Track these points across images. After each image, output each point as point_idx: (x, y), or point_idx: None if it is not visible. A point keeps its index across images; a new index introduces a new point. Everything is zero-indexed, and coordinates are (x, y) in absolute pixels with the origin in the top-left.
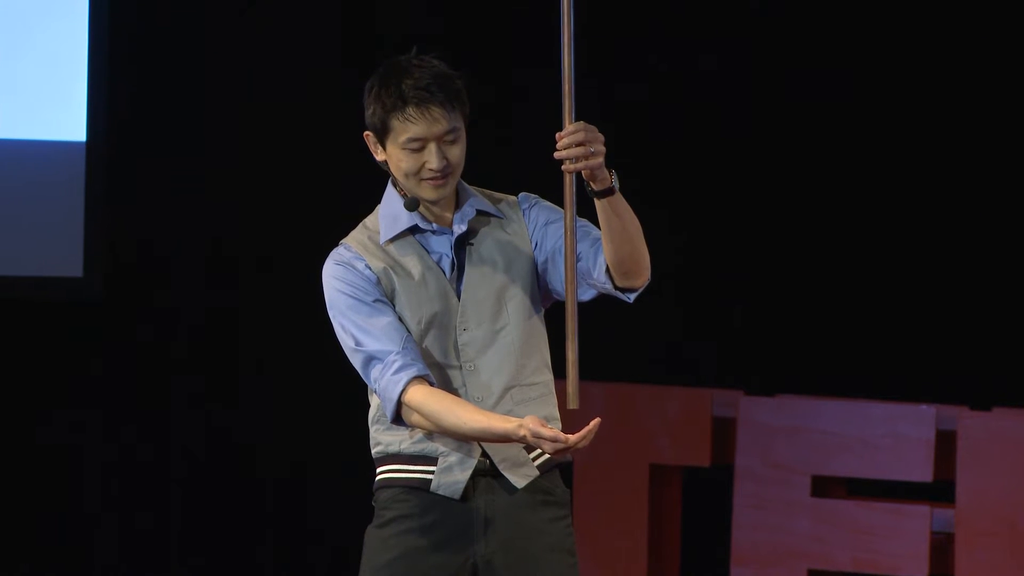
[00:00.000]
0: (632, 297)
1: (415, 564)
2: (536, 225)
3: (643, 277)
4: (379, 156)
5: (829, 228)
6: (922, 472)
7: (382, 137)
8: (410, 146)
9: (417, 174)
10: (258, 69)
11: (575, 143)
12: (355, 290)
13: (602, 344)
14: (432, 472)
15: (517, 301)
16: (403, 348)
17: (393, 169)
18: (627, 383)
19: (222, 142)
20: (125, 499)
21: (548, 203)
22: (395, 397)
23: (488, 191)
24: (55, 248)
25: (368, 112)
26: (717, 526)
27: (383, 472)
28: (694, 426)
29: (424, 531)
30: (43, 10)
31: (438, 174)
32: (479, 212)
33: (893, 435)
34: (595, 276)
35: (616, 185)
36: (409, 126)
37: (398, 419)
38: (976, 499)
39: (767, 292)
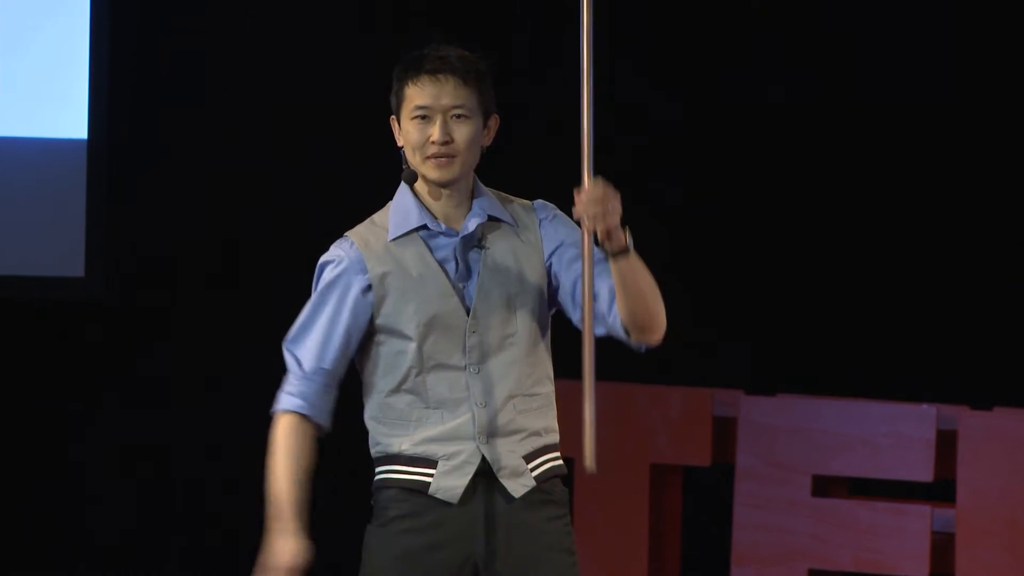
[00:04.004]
0: (644, 348)
1: (416, 563)
2: (553, 243)
3: (658, 334)
4: (400, 141)
5: (830, 228)
6: (923, 472)
7: (398, 112)
8: (417, 113)
9: (422, 149)
10: (259, 68)
11: (594, 201)
12: (329, 292)
13: (602, 344)
14: (431, 475)
15: (527, 310)
16: (312, 374)
17: (405, 148)
18: (627, 383)
19: (223, 140)
20: (124, 498)
21: (565, 217)
22: (273, 409)
23: (504, 194)
24: (56, 247)
25: (392, 94)
26: (717, 526)
27: (382, 472)
28: (694, 426)
29: (425, 531)
30: (44, 8)
31: (440, 149)
32: (491, 217)
33: (894, 435)
34: (609, 323)
35: (631, 244)
36: (418, 91)
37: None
38: (977, 499)
39: (768, 292)
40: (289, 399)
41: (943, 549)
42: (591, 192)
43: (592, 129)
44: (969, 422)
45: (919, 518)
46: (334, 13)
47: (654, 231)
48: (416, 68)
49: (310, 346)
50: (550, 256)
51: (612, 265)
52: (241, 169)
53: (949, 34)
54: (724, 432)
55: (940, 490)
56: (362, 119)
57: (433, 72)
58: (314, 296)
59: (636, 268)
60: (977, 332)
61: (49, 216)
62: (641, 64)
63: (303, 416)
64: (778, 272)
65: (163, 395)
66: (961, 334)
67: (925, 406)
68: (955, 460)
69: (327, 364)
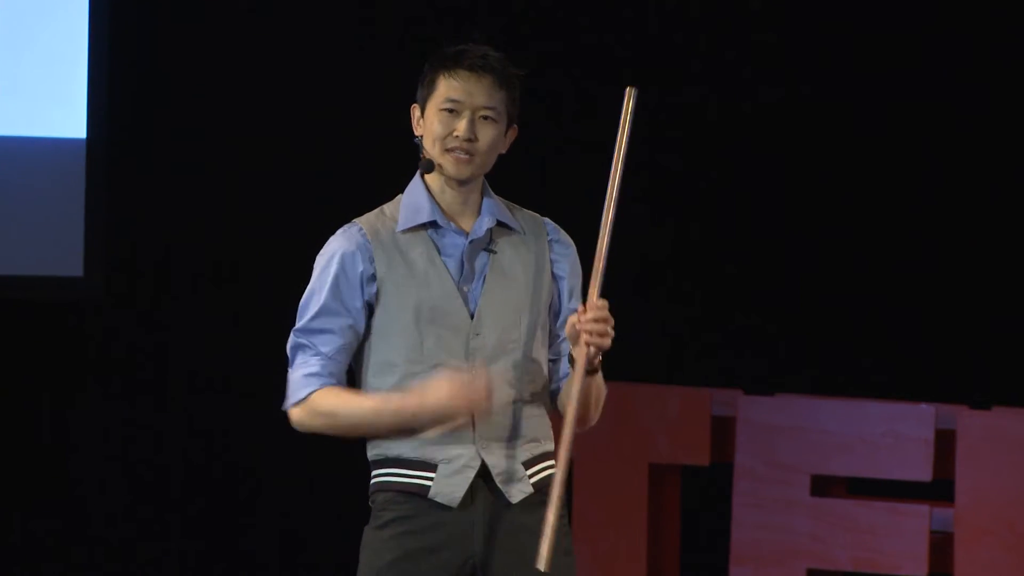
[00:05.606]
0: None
1: (415, 565)
2: (562, 269)
3: (583, 427)
4: (418, 131)
5: (829, 228)
6: (921, 471)
7: (425, 102)
8: (447, 106)
9: (443, 141)
10: (259, 68)
11: (601, 320)
12: (339, 280)
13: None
14: (431, 479)
15: (530, 316)
16: (331, 356)
17: (426, 138)
18: (627, 383)
19: (223, 140)
20: (123, 498)
21: (574, 258)
22: (297, 397)
23: (511, 202)
24: (55, 247)
25: (421, 83)
26: (717, 526)
27: (380, 476)
28: (693, 425)
29: (423, 533)
30: (43, 7)
31: (464, 145)
32: (500, 223)
33: (892, 434)
34: (551, 388)
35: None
36: (453, 84)
37: (293, 417)
38: (975, 498)
39: (767, 292)
40: (317, 380)
41: (941, 549)
42: (598, 311)
43: (607, 246)
44: (968, 422)
45: (918, 518)
46: (335, 13)
47: (655, 230)
48: (454, 61)
49: (325, 329)
50: (557, 280)
51: (580, 377)
52: (241, 169)
53: (947, 30)
54: (723, 432)
55: (939, 490)
56: (363, 119)
57: (472, 68)
58: (319, 284)
59: (599, 383)
60: (976, 332)
61: (48, 215)
62: (640, 61)
63: (332, 387)
64: (777, 272)
65: (161, 394)
66: (960, 334)
67: (924, 405)
68: (954, 460)
69: (347, 342)
